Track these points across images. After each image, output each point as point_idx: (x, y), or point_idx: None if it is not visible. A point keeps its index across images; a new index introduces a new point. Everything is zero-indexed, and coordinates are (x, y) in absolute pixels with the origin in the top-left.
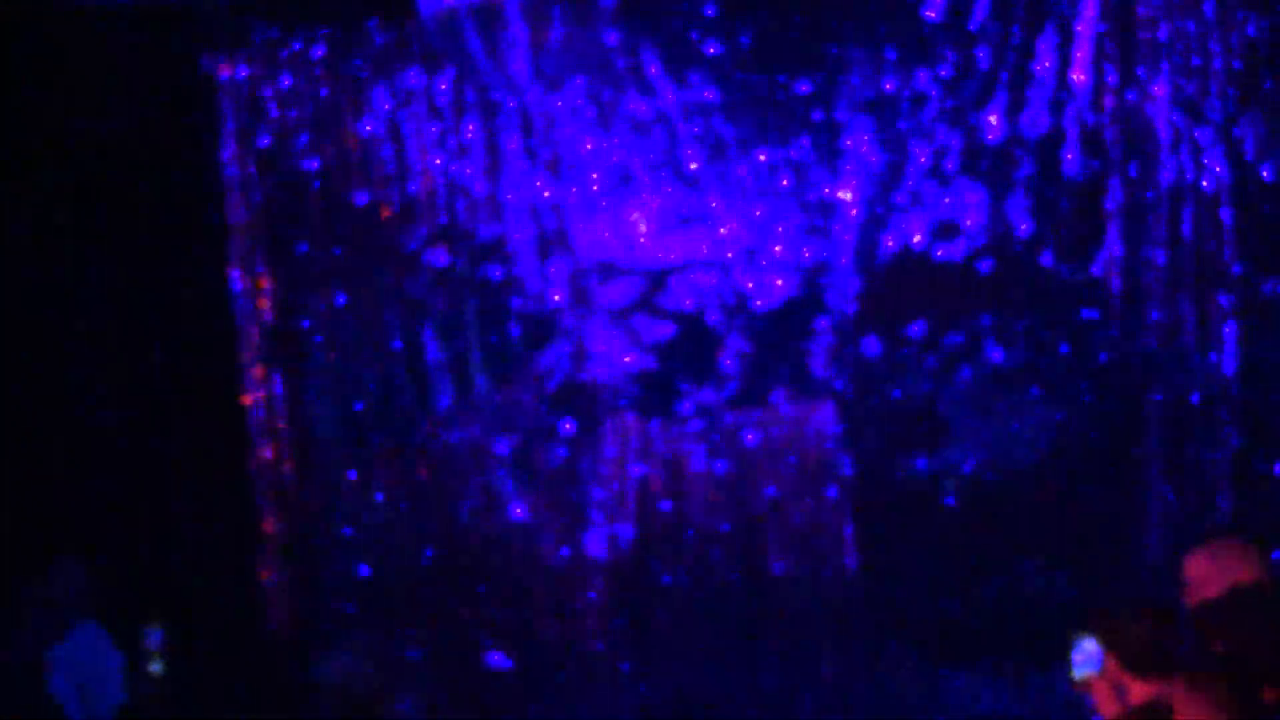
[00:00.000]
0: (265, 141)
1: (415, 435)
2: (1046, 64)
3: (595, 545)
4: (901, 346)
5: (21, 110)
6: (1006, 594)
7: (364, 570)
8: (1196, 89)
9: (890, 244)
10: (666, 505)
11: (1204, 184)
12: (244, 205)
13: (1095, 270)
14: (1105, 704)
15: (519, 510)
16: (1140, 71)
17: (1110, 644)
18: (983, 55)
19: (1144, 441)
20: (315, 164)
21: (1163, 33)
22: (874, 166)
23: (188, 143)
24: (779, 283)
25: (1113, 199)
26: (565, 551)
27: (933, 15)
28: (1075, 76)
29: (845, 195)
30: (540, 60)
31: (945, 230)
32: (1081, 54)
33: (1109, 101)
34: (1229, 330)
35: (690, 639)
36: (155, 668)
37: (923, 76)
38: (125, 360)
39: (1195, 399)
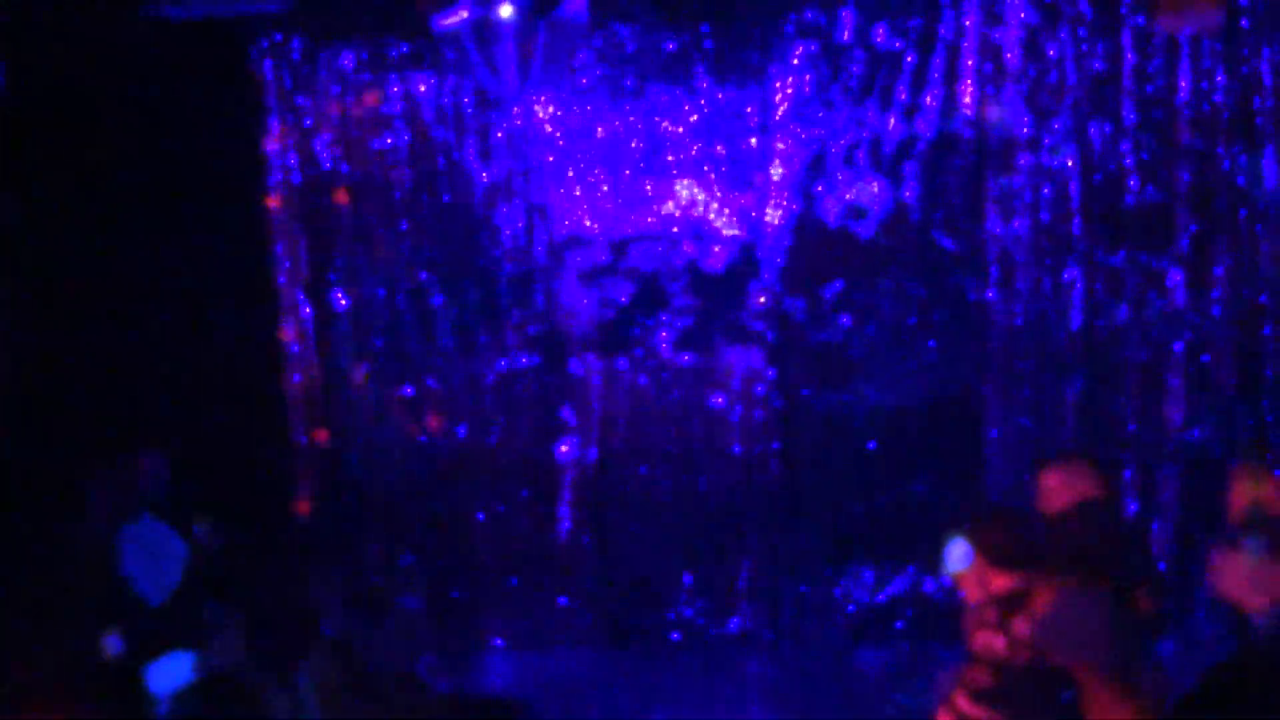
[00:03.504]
0: (302, 131)
1: (420, 369)
2: (936, 79)
3: (565, 458)
4: (820, 303)
5: (105, 102)
6: (900, 502)
7: (377, 479)
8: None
9: (810, 220)
10: (624, 427)
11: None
12: (284, 185)
13: (974, 244)
14: (972, 592)
15: (504, 431)
16: (1008, 86)
17: (976, 544)
18: (884, 71)
19: (1000, 385)
20: (343, 152)
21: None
22: (798, 159)
23: (237, 130)
24: (719, 250)
25: (989, 187)
26: (542, 462)
27: (846, 38)
28: (960, 88)
29: (775, 177)
30: (527, 67)
31: (855, 210)
32: (965, 75)
33: (986, 108)
34: (1076, 295)
35: (642, 536)
36: (205, 554)
37: (836, 90)
38: (184, 303)
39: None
